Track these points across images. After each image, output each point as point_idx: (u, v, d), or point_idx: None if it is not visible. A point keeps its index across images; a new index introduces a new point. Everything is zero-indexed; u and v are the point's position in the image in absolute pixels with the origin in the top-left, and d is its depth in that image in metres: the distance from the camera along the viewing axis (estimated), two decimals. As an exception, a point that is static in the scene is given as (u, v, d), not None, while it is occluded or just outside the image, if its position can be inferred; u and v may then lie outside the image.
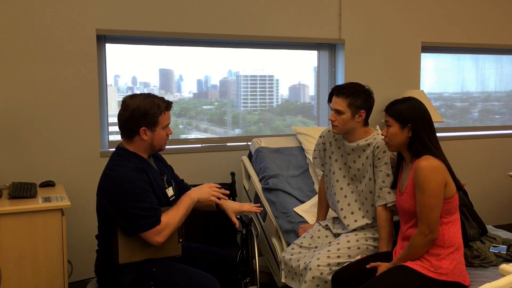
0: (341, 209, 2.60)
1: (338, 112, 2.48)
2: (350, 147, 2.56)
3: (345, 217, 2.58)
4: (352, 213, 2.57)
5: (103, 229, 2.24)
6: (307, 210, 3.00)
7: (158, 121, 2.20)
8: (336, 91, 2.51)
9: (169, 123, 2.27)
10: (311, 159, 2.97)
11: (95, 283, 2.34)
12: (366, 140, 2.52)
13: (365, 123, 2.55)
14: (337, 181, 2.63)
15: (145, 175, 2.18)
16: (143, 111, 2.16)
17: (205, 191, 2.29)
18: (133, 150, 2.23)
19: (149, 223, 2.11)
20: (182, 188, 2.58)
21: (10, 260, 2.62)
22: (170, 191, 2.35)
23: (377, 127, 2.65)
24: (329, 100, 2.57)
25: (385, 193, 2.42)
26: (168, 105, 2.24)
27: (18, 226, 2.62)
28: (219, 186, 2.37)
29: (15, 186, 2.93)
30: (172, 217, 2.17)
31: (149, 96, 2.21)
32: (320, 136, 2.76)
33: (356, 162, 2.56)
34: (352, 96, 2.46)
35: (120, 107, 2.23)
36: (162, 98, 2.24)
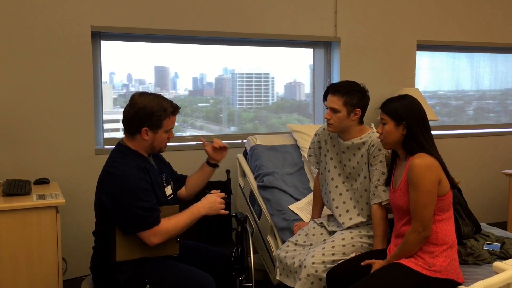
0: (336, 207, 2.60)
1: (334, 110, 2.48)
2: (345, 145, 2.56)
3: (340, 215, 2.59)
4: (347, 211, 2.58)
5: (100, 226, 2.24)
6: (302, 207, 3.01)
7: (162, 124, 2.19)
8: (332, 90, 2.51)
9: (172, 127, 2.27)
10: (306, 157, 2.97)
11: (90, 280, 2.34)
12: (361, 139, 2.53)
13: (360, 121, 2.55)
14: (332, 179, 2.64)
15: (146, 174, 2.17)
16: (149, 112, 2.16)
17: (215, 207, 2.28)
18: (134, 148, 2.23)
19: (147, 223, 2.11)
20: (180, 184, 2.58)
21: (4, 258, 2.61)
22: (168, 190, 2.35)
23: (372, 125, 2.65)
24: (325, 98, 2.57)
25: (380, 191, 2.42)
26: (175, 110, 2.23)
27: (12, 223, 2.61)
28: (225, 196, 2.37)
29: (9, 183, 2.91)
30: (173, 224, 2.17)
31: (158, 98, 2.20)
32: (315, 134, 2.76)
33: (351, 160, 2.57)
34: (348, 95, 2.46)
35: (127, 102, 2.21)
36: (171, 102, 2.22)
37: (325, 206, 2.81)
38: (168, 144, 2.32)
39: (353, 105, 2.46)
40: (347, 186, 2.61)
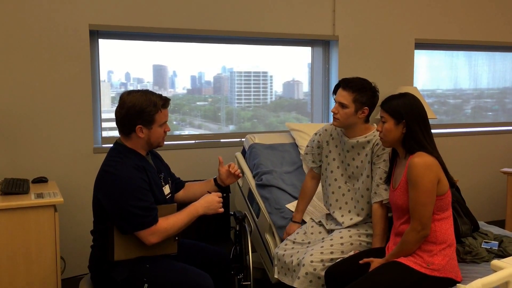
0: (340, 208, 2.59)
1: (342, 105, 2.47)
2: (350, 144, 2.55)
3: (342, 216, 2.58)
4: (349, 211, 2.58)
5: (98, 225, 2.23)
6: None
7: (154, 119, 2.18)
8: (343, 84, 2.49)
9: (166, 120, 2.26)
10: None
11: (89, 279, 2.34)
12: (366, 137, 2.52)
13: (366, 120, 2.54)
14: (335, 180, 2.63)
15: (144, 173, 2.17)
16: (139, 109, 2.15)
17: (212, 207, 2.29)
18: (131, 146, 2.22)
19: (145, 222, 2.10)
20: (179, 187, 2.59)
21: (3, 257, 2.61)
22: (166, 189, 2.35)
23: (375, 125, 2.64)
24: (334, 92, 2.55)
25: (381, 190, 2.42)
26: (165, 102, 2.22)
27: (11, 222, 2.61)
28: (223, 195, 2.38)
29: (7, 182, 2.91)
30: (171, 223, 2.17)
31: (146, 93, 2.19)
32: (316, 134, 2.74)
33: (355, 159, 2.56)
34: (359, 92, 2.45)
35: (117, 103, 2.22)
36: (160, 96, 2.21)
37: (324, 206, 2.80)
38: (166, 142, 2.32)
39: (362, 103, 2.45)
40: (349, 186, 2.60)
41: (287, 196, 3.09)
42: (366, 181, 2.52)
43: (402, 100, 2.24)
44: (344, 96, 2.46)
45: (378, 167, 2.45)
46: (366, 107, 2.47)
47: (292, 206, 3.00)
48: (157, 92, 2.23)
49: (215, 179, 2.58)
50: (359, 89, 2.45)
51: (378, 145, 2.47)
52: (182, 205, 2.34)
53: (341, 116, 2.48)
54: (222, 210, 2.32)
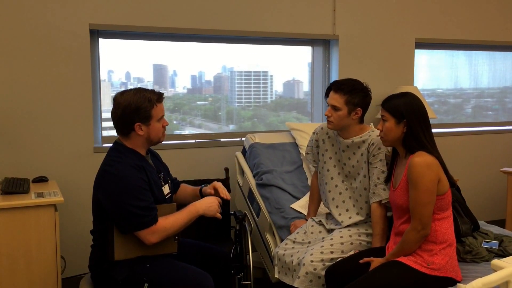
0: (336, 207, 2.60)
1: (335, 108, 2.48)
2: (345, 144, 2.56)
3: (340, 214, 2.58)
4: (347, 210, 2.58)
5: (98, 225, 2.23)
6: (304, 206, 3.00)
7: (151, 115, 2.19)
8: (334, 87, 2.50)
9: (163, 115, 2.26)
10: (305, 155, 2.98)
11: (89, 278, 2.34)
12: (361, 137, 2.53)
13: (361, 121, 2.55)
14: (332, 178, 2.63)
15: (144, 173, 2.17)
16: (135, 107, 2.15)
17: (212, 209, 2.29)
18: (130, 146, 2.22)
19: (144, 222, 2.10)
20: (176, 187, 2.59)
21: (3, 256, 2.61)
22: (166, 189, 2.35)
23: (371, 124, 2.65)
24: (326, 95, 2.56)
25: (380, 190, 2.42)
26: (159, 97, 2.22)
27: (11, 221, 2.61)
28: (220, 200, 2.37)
29: (8, 182, 2.91)
30: (171, 222, 2.17)
31: (139, 91, 2.19)
32: (313, 133, 2.76)
33: (351, 159, 2.57)
34: (350, 94, 2.45)
35: (112, 105, 2.22)
36: (153, 91, 2.22)
37: (323, 205, 2.81)
38: (166, 142, 2.32)
39: (354, 104, 2.46)
40: (346, 185, 2.61)
41: (287, 196, 3.08)
42: (363, 180, 2.52)
43: (403, 99, 2.24)
44: (336, 98, 2.47)
45: (375, 167, 2.46)
46: (359, 108, 2.47)
47: (297, 206, 3.00)
48: (149, 88, 2.24)
49: (201, 190, 2.53)
50: (350, 91, 2.45)
51: (373, 145, 2.48)
52: (178, 206, 2.34)
53: (335, 118, 2.48)
54: (220, 216, 2.31)
